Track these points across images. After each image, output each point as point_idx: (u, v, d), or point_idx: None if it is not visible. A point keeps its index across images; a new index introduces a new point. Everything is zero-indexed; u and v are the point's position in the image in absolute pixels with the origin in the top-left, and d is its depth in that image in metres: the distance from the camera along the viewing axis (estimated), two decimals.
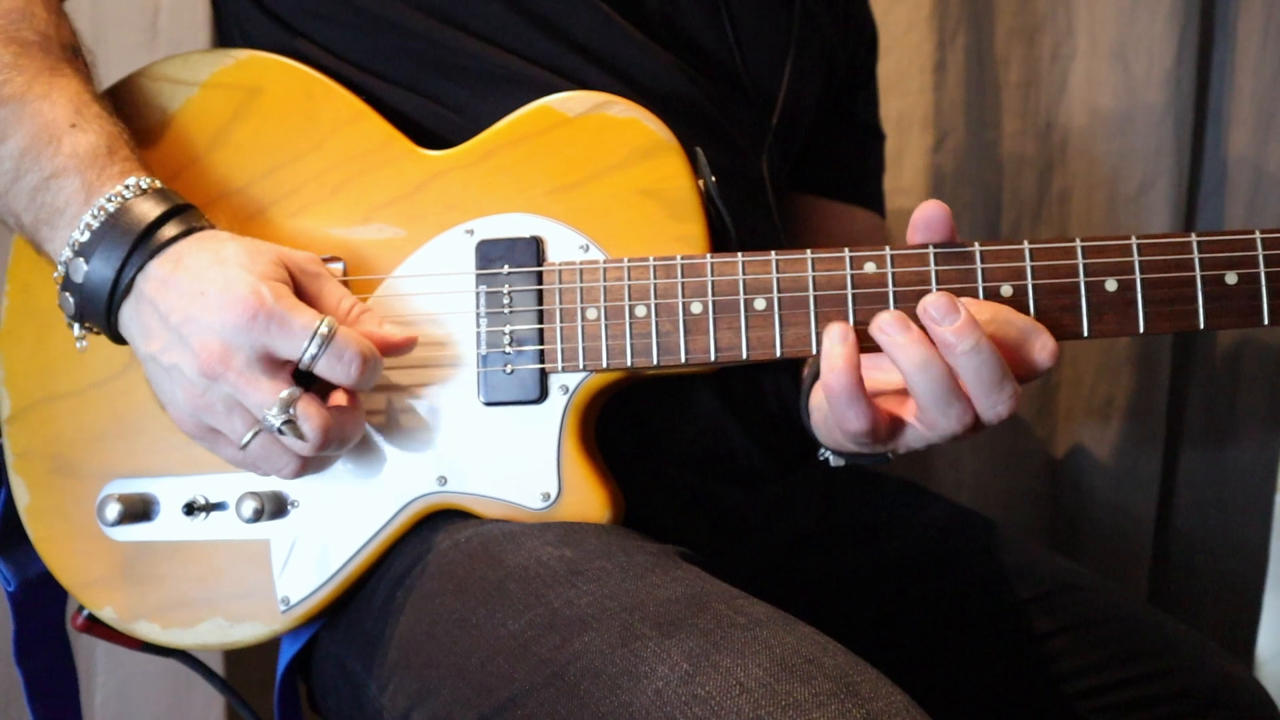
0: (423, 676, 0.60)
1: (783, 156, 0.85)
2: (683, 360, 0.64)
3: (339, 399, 0.61)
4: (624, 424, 0.71)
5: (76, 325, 0.63)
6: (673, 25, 0.76)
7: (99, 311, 0.61)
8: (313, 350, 0.57)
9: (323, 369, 0.58)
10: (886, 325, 0.57)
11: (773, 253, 0.63)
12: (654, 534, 0.68)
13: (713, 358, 0.64)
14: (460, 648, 0.59)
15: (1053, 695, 0.81)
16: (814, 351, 0.63)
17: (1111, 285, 0.60)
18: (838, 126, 0.95)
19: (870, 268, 0.62)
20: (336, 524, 0.67)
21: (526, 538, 0.63)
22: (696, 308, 0.64)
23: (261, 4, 0.74)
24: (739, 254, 0.64)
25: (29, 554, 0.72)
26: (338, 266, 0.68)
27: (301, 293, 0.61)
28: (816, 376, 0.67)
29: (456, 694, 0.58)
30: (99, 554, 0.70)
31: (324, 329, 0.58)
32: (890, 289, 0.62)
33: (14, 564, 0.74)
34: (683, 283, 0.64)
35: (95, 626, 0.72)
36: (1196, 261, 0.60)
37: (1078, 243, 0.61)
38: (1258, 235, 0.59)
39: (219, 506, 0.69)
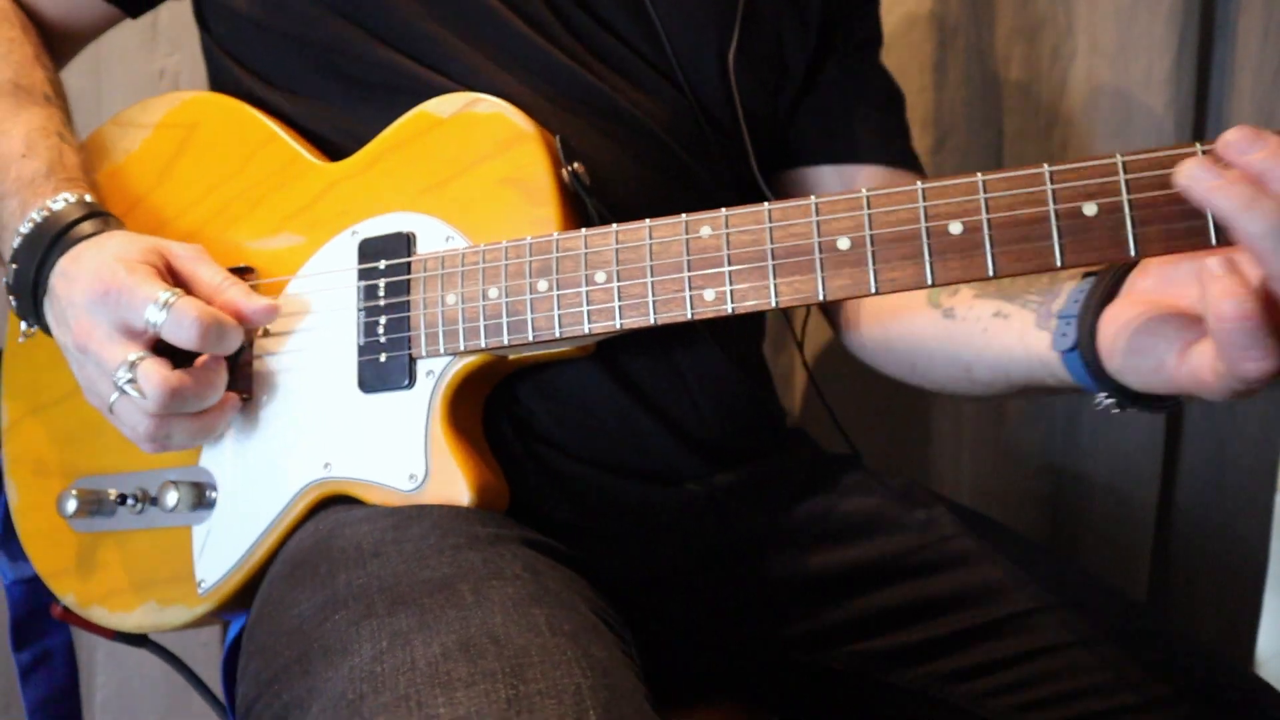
0: (248, 654, 0.60)
1: (741, 149, 0.78)
2: (530, 338, 0.61)
3: (199, 361, 0.64)
4: (517, 420, 0.69)
5: (24, 324, 0.69)
6: (596, 29, 0.73)
7: (30, 309, 0.66)
8: (153, 317, 0.60)
9: (167, 334, 0.60)
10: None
11: (614, 225, 0.60)
12: (556, 532, 0.64)
13: (557, 333, 0.60)
14: (270, 628, 0.58)
15: (1052, 697, 0.70)
16: (652, 322, 0.58)
17: (956, 228, 0.52)
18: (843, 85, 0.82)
19: (706, 231, 0.58)
20: (244, 511, 0.68)
21: (367, 522, 0.61)
22: (543, 286, 0.61)
23: (224, 47, 0.78)
24: (582, 230, 0.60)
25: (22, 549, 0.77)
26: (250, 274, 0.70)
27: (175, 274, 0.64)
28: (1107, 299, 0.56)
29: (255, 671, 0.57)
30: (64, 545, 0.75)
31: (163, 297, 0.60)
32: (725, 252, 0.57)
33: (11, 558, 0.79)
34: (530, 262, 0.61)
35: (69, 614, 0.75)
36: (1050, 194, 0.51)
37: (919, 186, 0.53)
38: (1119, 159, 0.50)
39: (155, 499, 0.71)
